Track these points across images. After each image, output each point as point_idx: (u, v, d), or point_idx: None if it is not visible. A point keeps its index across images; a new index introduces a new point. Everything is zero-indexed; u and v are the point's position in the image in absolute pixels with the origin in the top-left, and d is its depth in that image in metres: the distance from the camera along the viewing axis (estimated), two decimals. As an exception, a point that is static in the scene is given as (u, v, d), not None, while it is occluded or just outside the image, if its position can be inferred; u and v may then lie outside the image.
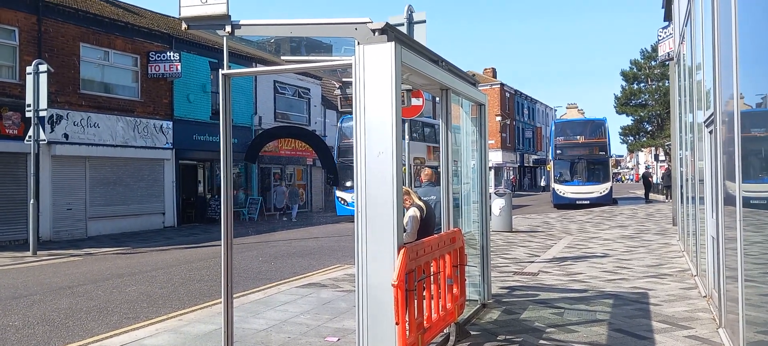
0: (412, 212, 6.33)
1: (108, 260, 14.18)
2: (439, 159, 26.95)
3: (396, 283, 4.28)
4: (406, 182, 10.30)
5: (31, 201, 15.37)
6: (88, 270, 12.42)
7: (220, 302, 5.87)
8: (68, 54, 19.38)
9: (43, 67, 15.31)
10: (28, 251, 14.90)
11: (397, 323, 4.34)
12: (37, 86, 15.15)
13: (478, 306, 7.22)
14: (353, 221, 4.45)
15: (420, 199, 6.55)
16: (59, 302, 9.01)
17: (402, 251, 4.37)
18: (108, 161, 20.62)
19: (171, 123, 23.18)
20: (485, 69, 66.63)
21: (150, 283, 10.59)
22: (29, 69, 15.36)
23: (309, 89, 32.10)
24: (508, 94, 63.00)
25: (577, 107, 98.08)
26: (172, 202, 23.18)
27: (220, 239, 5.08)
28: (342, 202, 24.23)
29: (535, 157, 70.27)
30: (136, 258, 14.30)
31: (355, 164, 4.49)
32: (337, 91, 11.03)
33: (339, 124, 25.94)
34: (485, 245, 7.46)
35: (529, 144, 69.81)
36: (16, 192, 17.25)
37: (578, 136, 32.17)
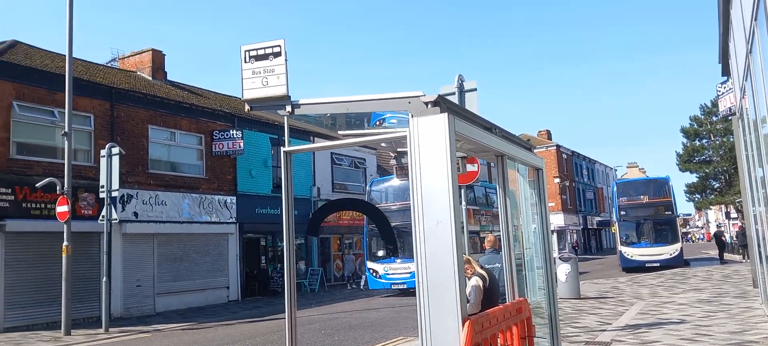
0: (475, 281, 6.23)
1: (176, 336, 14.46)
2: (479, 222, 24.02)
3: (460, 356, 4.17)
4: (466, 249, 10.16)
5: (104, 279, 15.98)
6: (155, 346, 12.67)
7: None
8: (138, 136, 20.49)
9: (116, 150, 16.20)
10: (101, 328, 15.38)
11: (463, 398, 4.20)
12: (110, 168, 16.00)
13: (547, 378, 6.91)
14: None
15: (482, 267, 6.45)
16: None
17: (467, 324, 4.28)
18: (175, 237, 21.33)
19: (234, 198, 23.89)
20: (540, 132, 66.11)
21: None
22: (103, 152, 16.29)
23: (364, 159, 32.62)
24: (565, 156, 62.05)
25: (637, 166, 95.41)
26: (235, 275, 23.61)
27: (284, 312, 5.12)
28: (373, 274, 22.49)
29: (599, 219, 68.20)
30: (203, 333, 14.52)
31: (413, 234, 4.49)
32: (393, 161, 11.18)
33: (368, 188, 24.87)
34: (553, 314, 7.21)
35: (591, 206, 67.98)
36: (90, 270, 17.99)
37: (642, 196, 31.15)
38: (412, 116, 4.49)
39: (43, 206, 17.07)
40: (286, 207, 5.32)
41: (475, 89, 9.18)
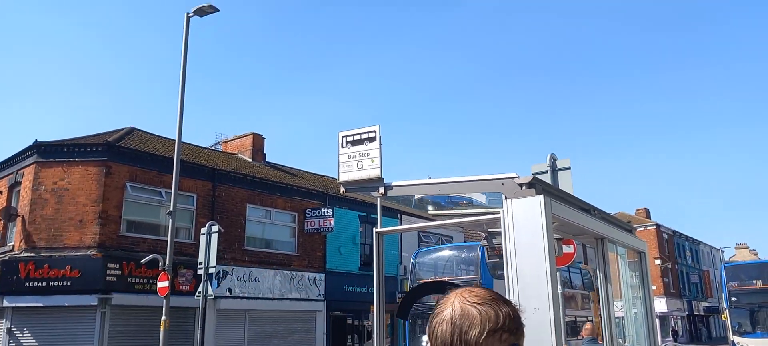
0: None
1: (263, 413, 14.49)
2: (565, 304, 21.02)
3: None
4: (563, 338, 9.69)
5: (198, 353, 16.49)
6: None
7: None
8: (236, 214, 21.44)
9: (215, 228, 16.96)
10: (193, 402, 15.69)
11: None
12: (208, 245, 16.73)
13: None
14: None
15: (581, 357, 6.12)
16: None
17: (566, 417, 4.04)
18: (266, 313, 21.76)
19: (323, 275, 24.23)
20: (637, 209, 63.14)
21: None
22: (203, 230, 17.11)
23: (452, 236, 32.27)
24: (665, 236, 58.63)
25: (748, 247, 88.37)
26: (322, 354, 23.62)
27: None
28: None
29: (706, 304, 63.15)
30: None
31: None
32: (484, 242, 11.01)
33: (413, 260, 21.13)
34: (659, 410, 6.67)
35: (697, 290, 63.22)
36: (184, 344, 18.60)
37: (755, 281, 28.68)
38: (507, 198, 4.46)
39: (145, 280, 18.03)
40: (378, 288, 5.34)
41: (569, 168, 8.99)
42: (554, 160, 9.48)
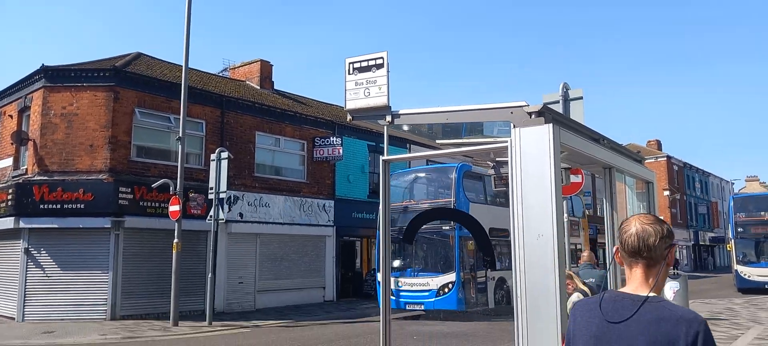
0: (576, 297, 6.01)
1: (273, 333, 15.01)
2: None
3: (561, 375, 4.04)
4: (567, 264, 9.83)
5: (210, 275, 16.95)
6: (256, 342, 13.22)
7: (379, 383, 5.91)
8: (245, 141, 21.50)
9: (225, 155, 17.10)
10: (205, 321, 16.25)
11: (562, 419, 4.06)
12: (219, 171, 16.92)
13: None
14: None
15: (584, 283, 6.21)
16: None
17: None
18: (276, 238, 22.17)
19: (333, 202, 24.49)
20: (649, 141, 62.74)
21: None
22: (213, 156, 17.27)
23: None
24: (676, 167, 58.46)
25: (758, 180, 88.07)
26: (331, 277, 24.17)
27: (377, 315, 5.18)
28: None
29: (712, 235, 63.64)
30: (299, 332, 14.98)
31: (512, 248, 4.40)
32: (491, 171, 11.00)
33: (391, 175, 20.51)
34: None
35: (704, 221, 63.57)
36: (197, 266, 19.08)
37: (762, 213, 28.73)
38: (515, 127, 4.41)
39: (157, 205, 18.31)
40: (384, 214, 5.40)
41: (581, 98, 8.86)
42: (566, 90, 9.33)
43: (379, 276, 17.08)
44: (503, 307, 17.47)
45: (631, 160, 6.75)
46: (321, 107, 27.46)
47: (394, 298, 17.04)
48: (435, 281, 16.81)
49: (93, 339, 13.66)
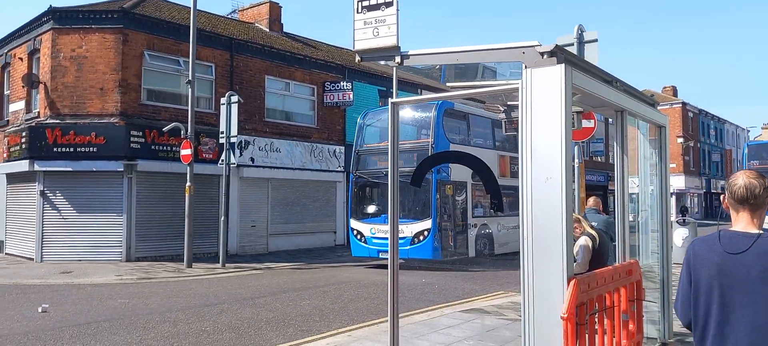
0: (583, 240, 6.02)
1: (285, 274, 15.28)
2: (508, 170, 18.23)
3: (565, 315, 4.09)
4: (576, 208, 9.84)
5: (222, 218, 17.17)
6: (268, 283, 13.47)
7: (386, 321, 6.02)
8: (255, 86, 21.39)
9: (235, 98, 17.05)
10: (218, 263, 16.56)
11: (566, 358, 4.13)
12: (229, 115, 16.91)
13: (657, 345, 6.64)
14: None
15: (592, 227, 6.21)
16: (243, 311, 9.88)
17: (572, 283, 4.17)
18: (287, 183, 22.31)
19: (343, 148, 24.50)
20: (664, 87, 61.74)
21: (322, 298, 11.21)
22: (223, 100, 17.23)
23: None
24: (690, 114, 57.72)
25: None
26: (342, 221, 24.40)
27: (387, 259, 5.23)
28: (357, 236, 17.02)
29: (724, 182, 63.22)
30: (310, 273, 15.23)
31: (520, 190, 4.39)
32: (502, 115, 10.90)
33: (360, 121, 18.22)
34: (666, 279, 6.85)
35: (717, 168, 63.12)
36: (209, 210, 19.31)
37: (778, 160, 28.43)
38: (526, 67, 4.34)
39: (168, 148, 18.41)
40: (392, 158, 5.39)
41: (596, 40, 8.68)
42: (581, 32, 9.15)
43: (353, 223, 17.39)
44: (485, 256, 17.05)
45: (644, 103, 6.65)
46: (331, 51, 27.16)
47: (366, 246, 16.56)
48: (409, 228, 15.67)
49: (109, 279, 13.97)
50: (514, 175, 17.46)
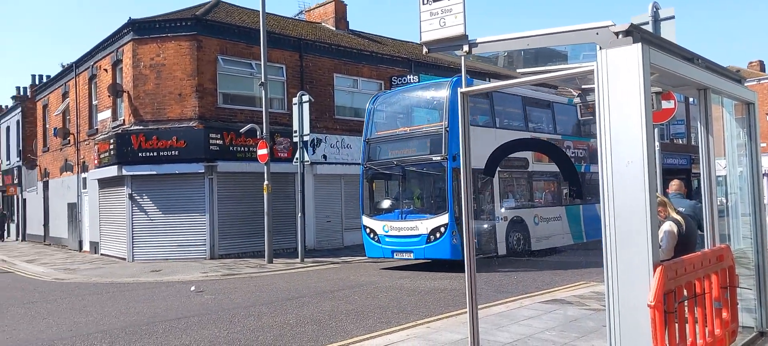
0: (668, 226, 5.77)
1: (362, 267, 15.50)
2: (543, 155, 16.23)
3: (653, 303, 3.95)
4: (659, 190, 9.44)
5: (299, 214, 17.63)
6: (345, 277, 13.71)
7: (465, 312, 6.01)
8: (324, 84, 21.76)
9: (306, 98, 17.43)
10: (297, 258, 17.01)
11: (654, 347, 3.99)
12: (301, 114, 17.30)
13: (754, 334, 6.28)
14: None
15: (677, 212, 5.95)
16: (323, 304, 10.11)
17: (658, 269, 4.02)
18: (359, 178, 22.54)
19: (412, 140, 24.52)
20: (750, 63, 57.97)
21: (399, 291, 11.29)
22: (295, 100, 17.65)
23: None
24: (782, 88, 53.99)
25: None
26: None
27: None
28: (370, 235, 15.19)
29: (823, 159, 58.82)
30: (387, 264, 15.36)
31: (600, 175, 4.27)
32: (577, 99, 10.60)
33: (370, 106, 16.43)
34: (762, 264, 6.47)
35: (814, 144, 58.77)
36: (287, 206, 19.85)
37: None
38: (601, 49, 4.21)
39: (246, 149, 19.05)
40: (464, 149, 5.35)
41: (673, 17, 8.29)
42: (656, 9, 8.76)
43: (365, 220, 15.30)
44: (519, 254, 15.01)
45: (730, 80, 6.30)
46: (396, 45, 27.22)
47: (380, 245, 14.84)
48: (425, 224, 13.97)
49: (196, 276, 14.63)
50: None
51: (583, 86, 8.15)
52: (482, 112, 15.54)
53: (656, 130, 9.81)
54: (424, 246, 13.95)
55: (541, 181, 17.06)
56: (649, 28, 8.44)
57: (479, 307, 7.58)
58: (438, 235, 13.74)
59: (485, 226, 14.51)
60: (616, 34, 4.23)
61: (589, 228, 17.33)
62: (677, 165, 34.50)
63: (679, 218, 5.89)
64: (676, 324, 4.31)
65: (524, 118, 16.68)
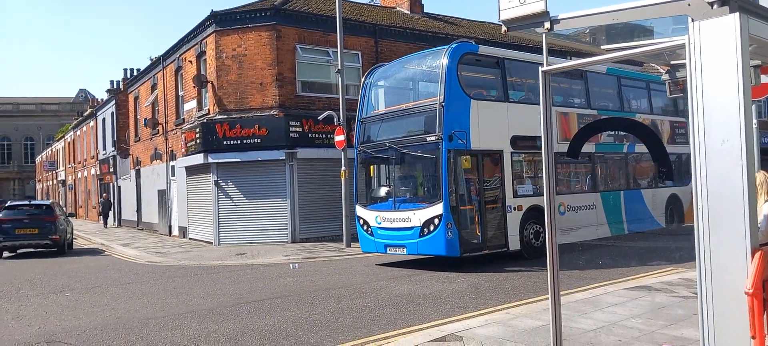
0: (767, 209, 5.39)
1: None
2: (573, 131, 14.06)
3: (751, 290, 3.70)
4: (757, 166, 8.84)
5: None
6: (425, 258, 13.72)
7: (546, 299, 5.88)
8: (400, 68, 21.76)
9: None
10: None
11: (753, 337, 3.75)
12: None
13: None
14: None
15: (778, 193, 5.54)
16: (400, 288, 10.17)
17: (757, 254, 3.76)
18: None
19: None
20: None
21: (476, 277, 11.19)
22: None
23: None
24: None
25: None
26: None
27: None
28: (364, 227, 13.66)
29: None
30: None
31: (692, 155, 4.04)
32: (666, 76, 10.05)
33: (367, 80, 14.76)
34: None
35: None
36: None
37: None
38: (693, 20, 3.95)
39: (324, 136, 19.39)
40: (546, 131, 5.19)
41: (773, -17, 7.66)
42: (754, -25, 8.14)
43: (358, 210, 13.77)
44: (536, 249, 12.89)
45: (842, 49, 5.77)
46: (472, 26, 26.80)
47: (373, 238, 13.29)
48: (418, 216, 12.24)
49: (278, 259, 15.10)
50: None
51: (672, 62, 7.72)
52: (489, 85, 13.92)
53: (754, 106, 9.17)
54: (417, 240, 12.24)
55: (569, 164, 14.72)
56: (746, -4, 7.87)
57: (563, 293, 7.39)
58: (432, 227, 11.94)
59: (491, 216, 12.59)
60: (711, 3, 3.96)
61: (632, 218, 15.54)
62: (777, 144, 32.19)
63: (780, 199, 5.49)
64: (778, 313, 4.02)
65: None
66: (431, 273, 11.75)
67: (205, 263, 15.27)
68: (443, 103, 11.96)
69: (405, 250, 12.66)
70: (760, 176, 5.19)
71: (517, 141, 13.05)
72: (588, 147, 13.20)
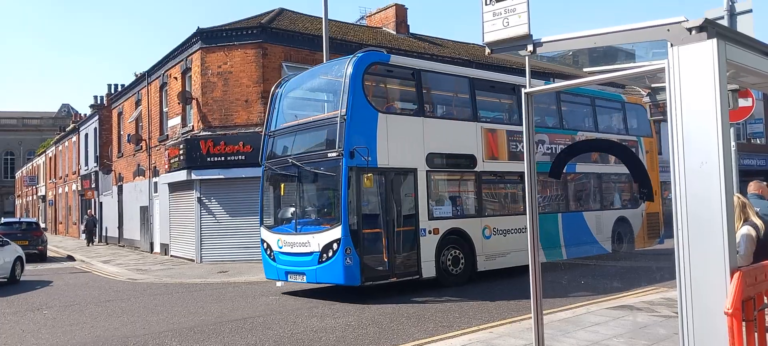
0: (746, 229, 5.48)
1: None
2: (502, 150, 13.41)
3: (730, 311, 3.76)
4: (735, 188, 8.99)
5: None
6: (405, 280, 13.68)
7: (529, 318, 5.90)
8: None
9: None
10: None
11: (732, 357, 3.80)
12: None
13: (842, 346, 5.87)
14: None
15: (757, 215, 5.65)
16: (385, 307, 10.13)
17: (736, 275, 3.82)
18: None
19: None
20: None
21: (461, 294, 11.19)
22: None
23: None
24: None
25: None
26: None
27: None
28: (267, 252, 12.55)
29: None
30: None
31: (671, 177, 4.11)
32: (646, 99, 10.23)
33: (277, 90, 13.61)
34: None
35: None
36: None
37: None
38: (672, 46, 4.05)
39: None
40: (528, 152, 5.26)
41: (750, 10, 7.89)
42: (732, 2, 8.38)
43: (262, 233, 12.64)
44: (455, 276, 12.07)
45: (816, 74, 5.92)
46: (457, 47, 27.07)
47: (274, 263, 12.21)
48: (317, 239, 11.16)
49: (261, 278, 14.96)
50: (514, 156, 13.51)
51: (652, 85, 7.87)
52: (403, 97, 13.21)
53: (732, 129, 9.35)
54: (315, 267, 11.12)
55: (498, 184, 13.95)
56: (724, 22, 8.08)
57: (545, 312, 7.42)
58: (330, 253, 10.85)
59: (402, 241, 11.45)
60: (689, 30, 4.06)
61: (571, 242, 14.41)
62: (755, 166, 32.79)
63: (758, 221, 5.60)
64: (756, 333, 4.09)
65: (473, 105, 13.52)
66: (332, 305, 10.53)
67: (186, 281, 15.10)
68: (346, 116, 10.97)
69: (305, 278, 11.47)
70: (735, 199, 5.28)
71: (434, 159, 12.12)
72: (520, 166, 12.15)
